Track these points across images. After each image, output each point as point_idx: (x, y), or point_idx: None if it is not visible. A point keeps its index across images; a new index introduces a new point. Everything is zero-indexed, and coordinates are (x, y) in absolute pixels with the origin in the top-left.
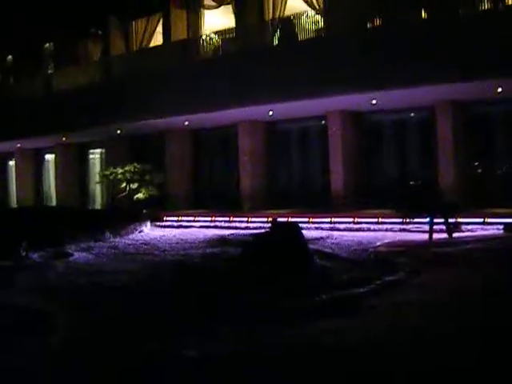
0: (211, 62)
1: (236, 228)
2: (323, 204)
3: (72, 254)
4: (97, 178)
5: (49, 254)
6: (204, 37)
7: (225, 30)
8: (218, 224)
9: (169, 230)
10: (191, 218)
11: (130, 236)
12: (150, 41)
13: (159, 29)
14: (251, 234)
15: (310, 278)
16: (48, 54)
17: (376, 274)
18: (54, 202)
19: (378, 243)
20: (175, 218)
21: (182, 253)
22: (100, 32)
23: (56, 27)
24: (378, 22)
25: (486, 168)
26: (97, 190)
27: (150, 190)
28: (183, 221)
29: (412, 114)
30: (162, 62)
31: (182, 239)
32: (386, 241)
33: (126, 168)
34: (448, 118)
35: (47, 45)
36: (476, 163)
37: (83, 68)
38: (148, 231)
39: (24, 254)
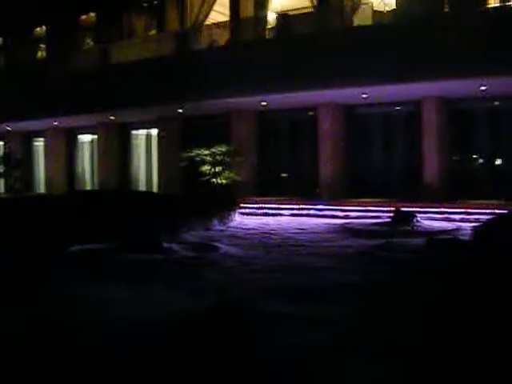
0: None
1: (334, 217)
2: (411, 193)
3: (218, 247)
4: (141, 160)
5: (190, 246)
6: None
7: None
8: (309, 212)
9: (258, 217)
10: (275, 206)
11: (232, 224)
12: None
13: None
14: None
15: None
16: (88, 26)
17: None
18: (89, 187)
19: None
20: (255, 206)
21: (340, 243)
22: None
23: None
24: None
25: None
26: (141, 171)
27: (235, 174)
28: (265, 208)
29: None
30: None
31: (295, 228)
32: None
33: (213, 149)
34: None
35: (86, 16)
36: None
37: (139, 41)
38: (239, 219)
39: (165, 245)
